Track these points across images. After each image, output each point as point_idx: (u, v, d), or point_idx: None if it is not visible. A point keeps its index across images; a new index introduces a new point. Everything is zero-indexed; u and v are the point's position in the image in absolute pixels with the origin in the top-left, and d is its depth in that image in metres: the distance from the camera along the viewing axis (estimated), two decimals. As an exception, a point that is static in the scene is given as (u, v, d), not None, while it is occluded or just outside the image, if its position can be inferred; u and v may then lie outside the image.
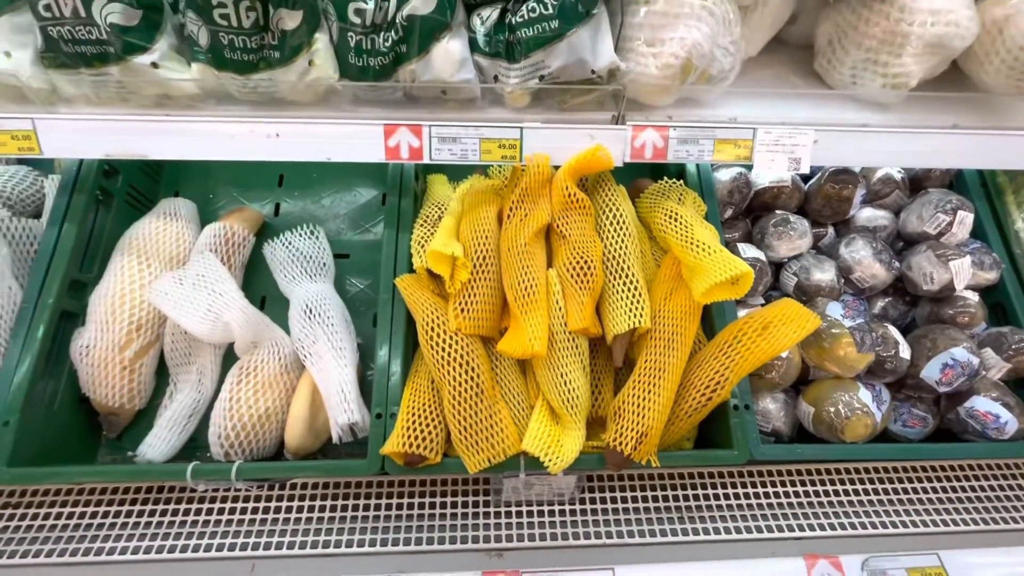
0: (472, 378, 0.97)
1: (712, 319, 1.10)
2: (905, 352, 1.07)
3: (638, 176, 1.37)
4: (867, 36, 1.03)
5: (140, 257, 1.16)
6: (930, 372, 1.07)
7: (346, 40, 0.94)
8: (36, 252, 1.12)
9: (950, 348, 1.05)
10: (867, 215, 1.27)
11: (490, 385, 0.99)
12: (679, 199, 1.17)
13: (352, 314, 1.20)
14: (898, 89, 1.07)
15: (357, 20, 0.91)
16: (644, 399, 0.94)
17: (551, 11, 0.93)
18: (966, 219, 1.18)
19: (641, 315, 0.99)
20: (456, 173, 1.34)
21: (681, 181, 1.24)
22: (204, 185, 1.40)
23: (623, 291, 1.01)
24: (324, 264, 1.25)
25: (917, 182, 1.32)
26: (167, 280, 1.09)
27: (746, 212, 1.33)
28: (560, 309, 1.00)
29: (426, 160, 1.04)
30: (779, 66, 1.22)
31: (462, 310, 1.01)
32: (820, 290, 1.16)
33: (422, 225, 1.16)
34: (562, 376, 0.96)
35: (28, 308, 1.05)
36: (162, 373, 1.18)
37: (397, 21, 0.91)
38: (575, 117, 1.06)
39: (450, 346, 0.99)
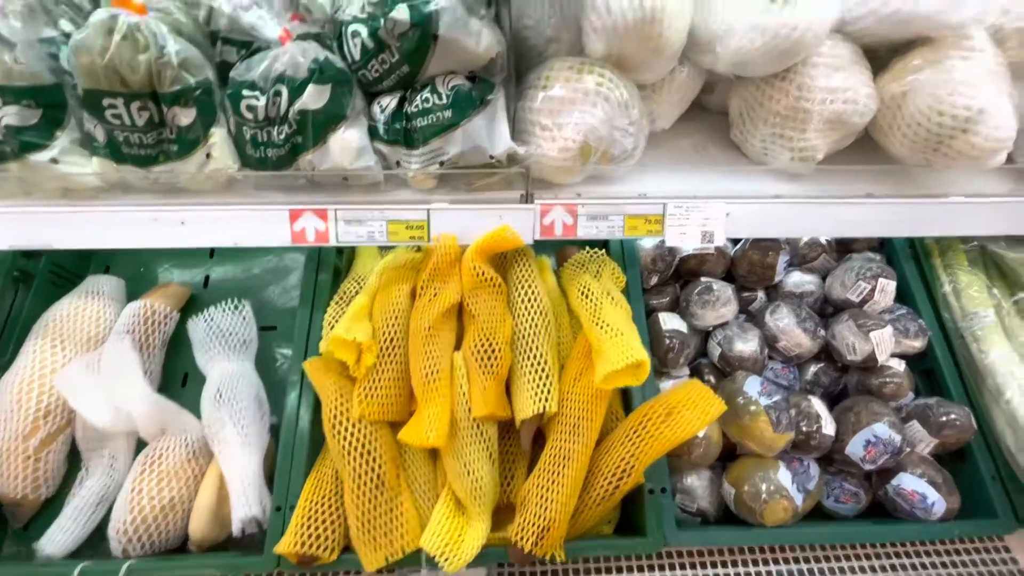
0: (373, 468, 0.94)
1: (630, 392, 1.08)
2: (829, 427, 1.04)
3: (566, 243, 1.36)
4: (771, 112, 1.04)
5: (55, 340, 1.15)
6: (854, 449, 1.03)
7: (243, 133, 0.94)
8: (-53, 339, 1.11)
9: (872, 423, 1.02)
10: (795, 280, 1.26)
11: (393, 475, 0.96)
12: (597, 272, 1.16)
13: (277, 390, 1.18)
14: (806, 161, 1.07)
15: (250, 116, 0.92)
16: (547, 489, 0.91)
17: (444, 101, 0.94)
18: (887, 287, 1.16)
19: (547, 399, 0.96)
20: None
21: (603, 250, 1.23)
22: (136, 258, 1.40)
23: (531, 373, 0.99)
24: (244, 341, 1.23)
25: (844, 245, 1.31)
26: (74, 367, 1.08)
27: (675, 276, 1.31)
28: (465, 395, 0.98)
29: (332, 243, 1.04)
30: (698, 134, 1.23)
31: (367, 395, 0.99)
32: (743, 361, 1.14)
33: (337, 303, 1.15)
34: (465, 466, 0.94)
35: (-70, 400, 1.04)
36: (74, 457, 1.15)
37: (290, 116, 0.92)
38: (484, 197, 1.06)
39: (352, 435, 0.96)
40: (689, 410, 0.91)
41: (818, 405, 1.07)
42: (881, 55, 1.04)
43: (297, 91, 0.90)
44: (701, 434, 1.02)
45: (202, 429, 1.09)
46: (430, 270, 1.07)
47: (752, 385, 1.04)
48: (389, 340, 1.04)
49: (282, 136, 0.94)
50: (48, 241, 1.01)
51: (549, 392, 0.97)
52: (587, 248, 1.23)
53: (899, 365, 1.12)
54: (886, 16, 0.93)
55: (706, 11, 0.97)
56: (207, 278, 1.39)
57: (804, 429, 1.04)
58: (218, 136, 0.95)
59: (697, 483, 1.07)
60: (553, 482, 0.91)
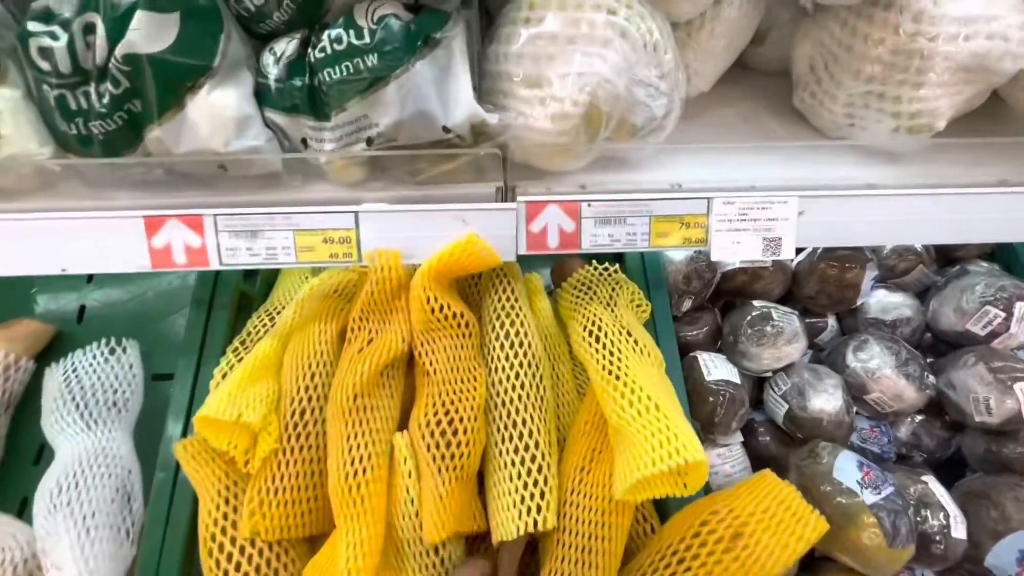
0: (267, 625, 0.59)
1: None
2: (959, 528, 0.70)
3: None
4: (868, 59, 0.69)
5: None
6: (999, 560, 0.69)
7: (44, 96, 0.59)
8: None
9: (1028, 525, 0.67)
10: (881, 301, 0.91)
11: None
12: (610, 298, 0.80)
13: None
14: (919, 133, 0.72)
15: (45, 65, 0.56)
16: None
17: (367, 40, 0.58)
18: (1029, 313, 0.81)
19: (539, 509, 0.61)
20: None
21: (617, 265, 0.88)
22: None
23: (513, 465, 0.64)
24: (120, 401, 0.88)
25: (947, 252, 0.96)
26: None
27: (713, 298, 0.97)
28: (414, 502, 0.63)
29: (213, 266, 0.68)
30: (745, 101, 0.87)
31: (262, 503, 0.64)
32: (822, 425, 0.79)
33: (236, 350, 0.80)
34: (410, 620, 0.59)
35: None
36: None
37: (111, 66, 0.56)
38: (440, 193, 0.71)
39: (238, 567, 0.61)
40: (770, 532, 0.57)
41: (938, 491, 0.72)
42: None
43: (118, 23, 0.55)
44: (774, 548, 0.67)
45: (35, 543, 0.74)
46: (363, 303, 0.72)
47: (847, 467, 0.70)
48: (301, 412, 0.69)
49: (105, 98, 0.58)
50: None
51: (543, 496, 0.62)
52: (594, 263, 0.88)
53: (1050, 428, 0.78)
54: None
55: None
56: (82, 309, 1.03)
57: (926, 532, 0.69)
58: (7, 101, 0.60)
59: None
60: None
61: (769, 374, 0.87)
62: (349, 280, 0.84)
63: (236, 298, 0.86)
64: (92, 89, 0.58)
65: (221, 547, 0.63)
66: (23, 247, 0.67)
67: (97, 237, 0.67)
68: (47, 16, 0.56)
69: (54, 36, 0.55)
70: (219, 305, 0.84)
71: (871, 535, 0.65)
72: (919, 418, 0.87)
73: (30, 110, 0.61)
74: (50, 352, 0.97)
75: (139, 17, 0.55)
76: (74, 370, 0.89)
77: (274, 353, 0.75)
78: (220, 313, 0.84)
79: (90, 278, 1.06)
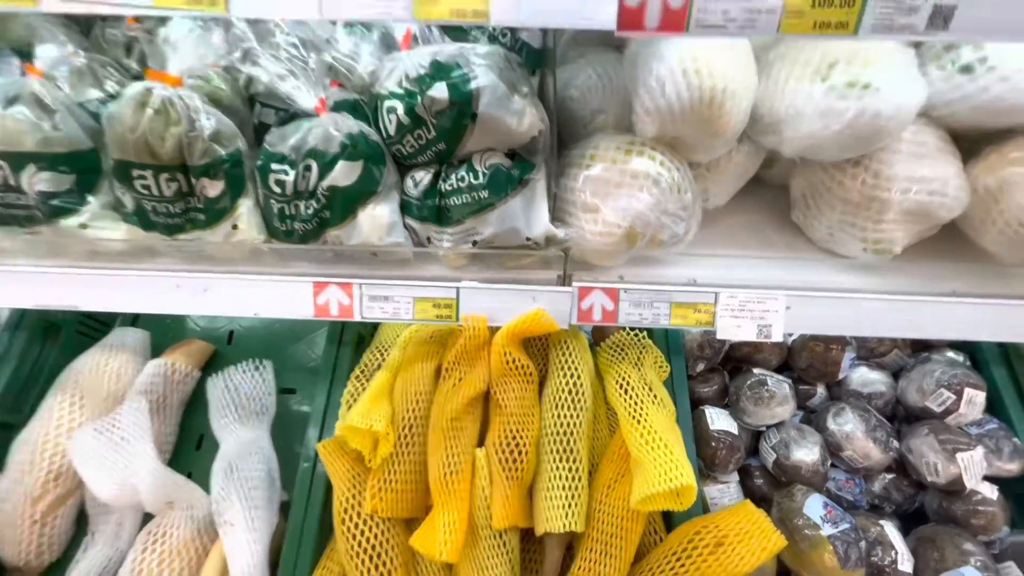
0: (383, 575, 0.86)
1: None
2: (906, 564, 0.90)
3: (606, 315, 1.27)
4: (841, 199, 0.93)
5: (74, 396, 1.13)
6: (937, 592, 0.88)
7: (270, 206, 0.91)
8: (-28, 391, 1.10)
9: (960, 566, 0.87)
10: (861, 377, 1.12)
11: (402, 585, 0.87)
12: (638, 359, 1.06)
13: (292, 460, 1.12)
14: (880, 254, 0.95)
15: (278, 190, 0.88)
16: (573, 621, 0.80)
17: (481, 180, 0.88)
18: (976, 398, 1.01)
19: (578, 514, 0.86)
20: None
21: (645, 333, 1.13)
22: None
23: (566, 479, 0.89)
24: (263, 406, 1.18)
25: (921, 340, 1.16)
26: (88, 430, 1.04)
27: (723, 361, 1.20)
28: (486, 498, 0.89)
29: (356, 318, 0.98)
30: (754, 212, 1.13)
31: (380, 489, 0.91)
32: (802, 472, 1.00)
33: (358, 377, 1.09)
34: (483, 581, 0.84)
35: (-57, 457, 1.02)
36: (82, 518, 1.12)
37: (318, 191, 0.87)
38: (518, 277, 0.98)
39: (363, 533, 0.88)
40: (743, 543, 0.79)
41: (893, 533, 0.92)
42: (964, 140, 0.92)
43: (328, 166, 0.86)
44: (752, 562, 0.89)
45: (210, 504, 1.04)
46: (456, 352, 1.00)
47: (814, 506, 0.91)
48: (408, 427, 0.96)
49: (310, 211, 0.89)
50: (73, 302, 0.99)
51: (580, 507, 0.87)
52: (627, 329, 1.13)
53: (991, 492, 0.96)
54: (984, 103, 0.82)
55: (771, 90, 0.88)
56: (231, 333, 1.36)
57: (876, 562, 0.89)
58: (245, 207, 0.92)
59: (745, 612, 0.94)
60: (580, 613, 0.80)
61: (764, 428, 1.09)
62: (439, 330, 1.12)
63: (355, 337, 1.16)
64: (301, 204, 0.89)
65: (351, 519, 0.90)
66: (233, 297, 0.98)
67: (281, 293, 0.98)
68: (281, 158, 0.87)
69: (286, 172, 0.87)
70: (345, 342, 1.14)
71: (828, 557, 0.86)
72: (890, 476, 1.06)
73: (257, 213, 0.93)
74: (208, 366, 1.29)
75: (340, 164, 0.86)
76: (231, 381, 1.20)
77: (387, 383, 1.03)
78: (345, 348, 1.13)
79: (238, 309, 1.39)
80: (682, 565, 0.81)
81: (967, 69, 0.81)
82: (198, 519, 1.02)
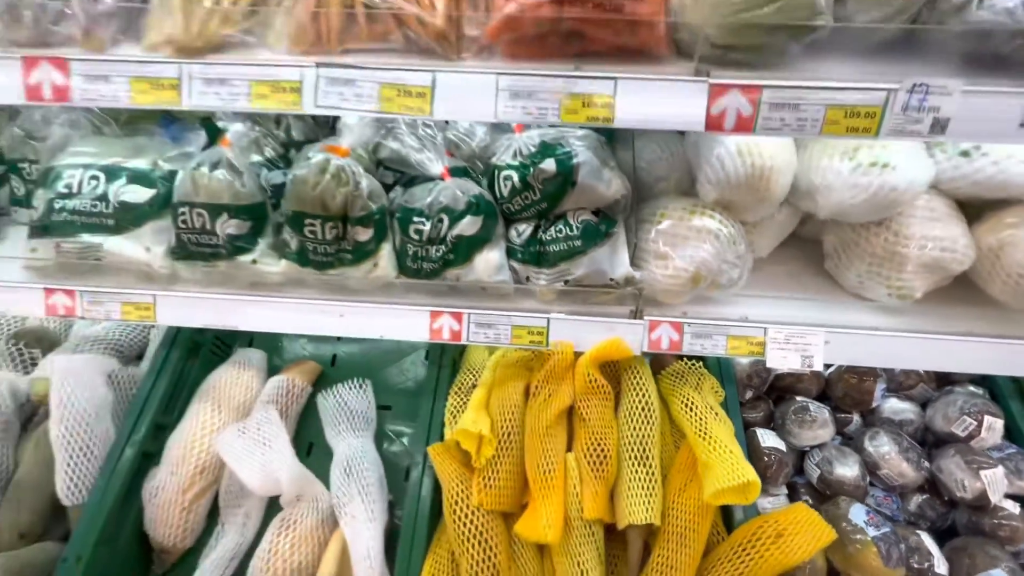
0: (489, 557, 1.02)
1: (732, 510, 1.11)
2: (941, 567, 1.03)
3: (661, 348, 1.46)
4: (867, 252, 1.14)
5: (214, 404, 1.34)
6: (970, 594, 1.01)
7: (406, 249, 1.14)
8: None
9: (989, 569, 1.00)
10: (892, 407, 1.28)
11: (506, 566, 1.03)
12: (697, 384, 1.24)
13: (387, 466, 1.30)
14: (903, 299, 1.14)
15: (416, 237, 1.12)
16: (655, 600, 0.95)
17: (575, 232, 1.11)
18: (995, 424, 1.16)
19: (655, 509, 1.02)
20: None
21: (701, 362, 1.31)
22: (275, 334, 1.61)
23: (644, 481, 1.06)
24: (367, 419, 1.38)
25: (944, 376, 1.33)
26: (231, 432, 1.24)
27: (769, 391, 1.37)
28: (578, 495, 1.06)
29: (464, 341, 1.19)
30: (793, 262, 1.33)
31: (485, 485, 1.08)
32: (844, 486, 1.15)
33: (456, 394, 1.29)
34: (579, 565, 1.00)
35: (116, 449, 1.23)
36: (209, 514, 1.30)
37: (447, 239, 1.11)
38: (598, 310, 1.19)
39: (472, 521, 1.05)
40: (799, 534, 0.95)
41: (928, 542, 1.06)
42: (968, 207, 1.13)
43: (456, 219, 1.10)
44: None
45: (330, 499, 1.21)
46: (546, 372, 1.19)
47: (858, 513, 1.06)
48: (506, 434, 1.14)
49: (438, 254, 1.13)
50: (236, 323, 1.22)
51: (656, 503, 1.03)
52: (684, 359, 1.32)
53: (1014, 508, 1.10)
54: (980, 180, 1.03)
55: (807, 165, 1.11)
56: (335, 357, 1.57)
57: (915, 566, 1.03)
58: (385, 250, 1.15)
59: (799, 610, 1.07)
60: (661, 593, 0.95)
61: (807, 448, 1.24)
62: (524, 356, 1.32)
63: (451, 360, 1.36)
64: (432, 248, 1.12)
65: (460, 510, 1.07)
66: (363, 321, 1.20)
67: (402, 319, 1.20)
68: (420, 212, 1.11)
69: (423, 223, 1.10)
70: (444, 364, 1.35)
71: (873, 557, 1.00)
72: (923, 497, 1.20)
73: (393, 256, 1.16)
74: (316, 385, 1.49)
75: (467, 218, 1.09)
76: (340, 396, 1.40)
77: (483, 398, 1.23)
78: (444, 370, 1.34)
79: (339, 336, 1.61)
80: (747, 554, 0.96)
81: (965, 154, 1.03)
82: (321, 511, 1.20)
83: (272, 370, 1.50)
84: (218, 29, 0.83)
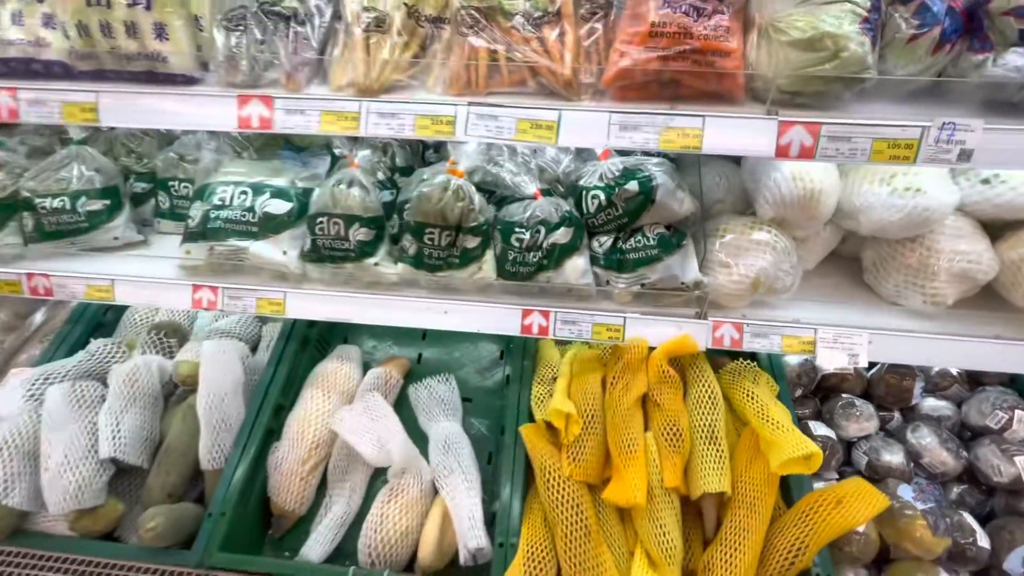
0: (581, 520, 1.18)
1: (790, 490, 1.26)
2: (984, 541, 1.16)
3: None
4: (903, 265, 1.32)
5: (323, 390, 1.53)
6: (1012, 564, 1.14)
7: (506, 255, 1.35)
8: (256, 381, 1.52)
9: (1027, 542, 1.13)
10: (930, 404, 1.43)
11: (596, 528, 1.18)
12: (754, 379, 1.41)
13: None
14: (937, 306, 1.31)
15: (517, 245, 1.33)
16: (731, 555, 1.10)
17: (652, 243, 1.31)
18: (1025, 417, 1.31)
19: (725, 480, 1.18)
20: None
21: (755, 363, 1.48)
22: (367, 334, 1.81)
23: (715, 457, 1.22)
24: (456, 407, 1.56)
25: (975, 378, 1.48)
26: (345, 411, 1.43)
27: (814, 392, 1.52)
28: (657, 467, 1.22)
29: (551, 336, 1.38)
30: (835, 275, 1.52)
31: (574, 459, 1.25)
32: (891, 471, 1.29)
33: (539, 384, 1.47)
34: (661, 527, 1.15)
35: (247, 424, 1.42)
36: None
37: (543, 246, 1.32)
38: (667, 311, 1.38)
39: (564, 490, 1.21)
40: (857, 501, 1.09)
41: (970, 519, 1.20)
42: (991, 226, 1.31)
43: (552, 230, 1.31)
44: (861, 529, 1.17)
45: (430, 473, 1.38)
46: (623, 364, 1.37)
47: (906, 491, 1.20)
48: (589, 416, 1.32)
49: (534, 259, 1.33)
50: (353, 317, 1.43)
51: (726, 475, 1.19)
52: (740, 359, 1.49)
53: (1046, 491, 1.23)
54: (1000, 204, 1.22)
55: (850, 189, 1.31)
56: (420, 356, 1.77)
57: (960, 541, 1.16)
58: (489, 256, 1.36)
59: (854, 581, 1.20)
60: (736, 548, 1.10)
61: (855, 439, 1.39)
62: (598, 352, 1.50)
63: (533, 356, 1.55)
64: (529, 254, 1.33)
65: (552, 479, 1.23)
66: (464, 317, 1.39)
67: (499, 316, 1.39)
68: (520, 224, 1.33)
69: (522, 234, 1.32)
70: (527, 356, 1.53)
71: (922, 528, 1.14)
72: (963, 486, 1.34)
73: (493, 260, 1.37)
74: (405, 380, 1.68)
75: (562, 229, 1.30)
76: (432, 388, 1.59)
77: (565, 387, 1.40)
78: (527, 362, 1.52)
79: (424, 336, 1.81)
80: (811, 519, 1.11)
81: (986, 181, 1.23)
82: (423, 483, 1.36)
83: (364, 366, 1.70)
84: (389, 75, 1.07)
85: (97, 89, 1.11)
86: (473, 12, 1.02)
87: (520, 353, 1.54)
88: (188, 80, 1.13)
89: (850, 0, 0.91)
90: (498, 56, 1.04)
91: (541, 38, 1.03)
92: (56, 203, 1.46)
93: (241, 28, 1.09)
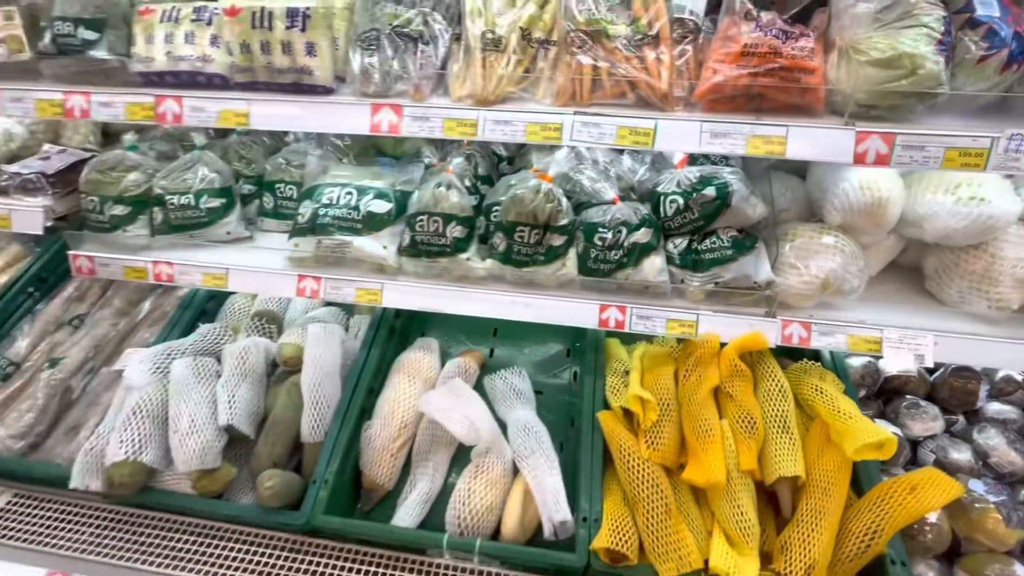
0: (662, 498, 1.26)
1: (860, 482, 1.32)
2: (1055, 536, 1.20)
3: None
4: (967, 271, 1.39)
5: (408, 376, 1.65)
6: (1085, 560, 1.17)
7: (588, 253, 1.47)
8: (348, 365, 1.66)
9: (1101, 538, 1.16)
10: (995, 408, 1.48)
11: (676, 507, 1.26)
12: (820, 377, 1.48)
13: (544, 439, 1.57)
14: (1002, 311, 1.37)
15: (599, 243, 1.45)
16: (808, 536, 1.16)
17: (727, 244, 1.42)
18: (1093, 421, 1.35)
19: (798, 465, 1.25)
20: (626, 338, 1.77)
21: (819, 363, 1.56)
22: (442, 329, 1.94)
23: (788, 444, 1.29)
24: (530, 397, 1.66)
25: (1039, 384, 1.52)
26: (433, 394, 1.55)
27: (876, 394, 1.58)
28: (733, 452, 1.30)
29: (627, 330, 1.48)
30: (895, 282, 1.59)
31: (651, 444, 1.34)
32: (959, 468, 1.34)
33: (612, 375, 1.57)
34: (739, 508, 1.22)
35: (344, 402, 1.55)
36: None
37: (624, 245, 1.44)
38: (737, 309, 1.47)
39: (642, 470, 1.30)
40: (931, 488, 1.15)
41: (1040, 515, 1.23)
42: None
43: (633, 230, 1.43)
44: (934, 519, 1.22)
45: (511, 454, 1.48)
46: (695, 358, 1.46)
47: (977, 485, 1.25)
48: (664, 405, 1.41)
49: (615, 257, 1.45)
50: (443, 307, 1.56)
51: (801, 462, 1.26)
52: (804, 360, 1.56)
53: (1117, 492, 1.27)
54: (1063, 214, 1.30)
55: (914, 199, 1.40)
56: (492, 350, 1.88)
57: (1031, 533, 1.20)
58: (572, 253, 1.49)
59: (928, 573, 1.24)
60: (813, 529, 1.16)
61: (920, 439, 1.44)
62: (668, 349, 1.60)
63: (603, 352, 1.65)
64: (611, 253, 1.45)
65: (632, 461, 1.32)
66: (545, 311, 1.51)
67: (577, 309, 1.50)
68: (603, 225, 1.45)
69: (604, 233, 1.44)
70: (599, 350, 1.63)
71: (994, 519, 1.19)
72: (1031, 488, 1.37)
73: (575, 258, 1.49)
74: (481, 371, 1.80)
75: (642, 230, 1.42)
76: (507, 379, 1.70)
77: (638, 378, 1.50)
78: (599, 355, 1.62)
79: (495, 333, 1.93)
80: (886, 503, 1.17)
81: (1049, 192, 1.31)
82: (505, 462, 1.46)
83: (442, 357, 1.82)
84: (504, 88, 1.23)
85: (250, 98, 1.29)
86: (581, 34, 1.18)
87: (593, 349, 1.65)
88: (327, 91, 1.30)
89: (926, 24, 1.03)
90: (600, 72, 1.18)
91: (640, 57, 1.17)
92: (183, 200, 1.65)
93: (374, 47, 1.27)
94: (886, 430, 1.19)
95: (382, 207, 1.57)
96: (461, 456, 1.57)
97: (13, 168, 1.73)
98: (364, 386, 1.59)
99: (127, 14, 1.31)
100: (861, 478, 1.32)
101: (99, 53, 1.28)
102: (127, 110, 1.32)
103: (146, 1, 1.32)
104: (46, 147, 1.88)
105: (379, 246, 1.56)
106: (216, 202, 1.68)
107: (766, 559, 1.24)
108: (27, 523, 1.48)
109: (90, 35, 1.27)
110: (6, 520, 1.49)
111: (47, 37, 1.29)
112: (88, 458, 1.39)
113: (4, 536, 1.44)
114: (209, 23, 1.29)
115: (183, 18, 1.30)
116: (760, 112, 1.18)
